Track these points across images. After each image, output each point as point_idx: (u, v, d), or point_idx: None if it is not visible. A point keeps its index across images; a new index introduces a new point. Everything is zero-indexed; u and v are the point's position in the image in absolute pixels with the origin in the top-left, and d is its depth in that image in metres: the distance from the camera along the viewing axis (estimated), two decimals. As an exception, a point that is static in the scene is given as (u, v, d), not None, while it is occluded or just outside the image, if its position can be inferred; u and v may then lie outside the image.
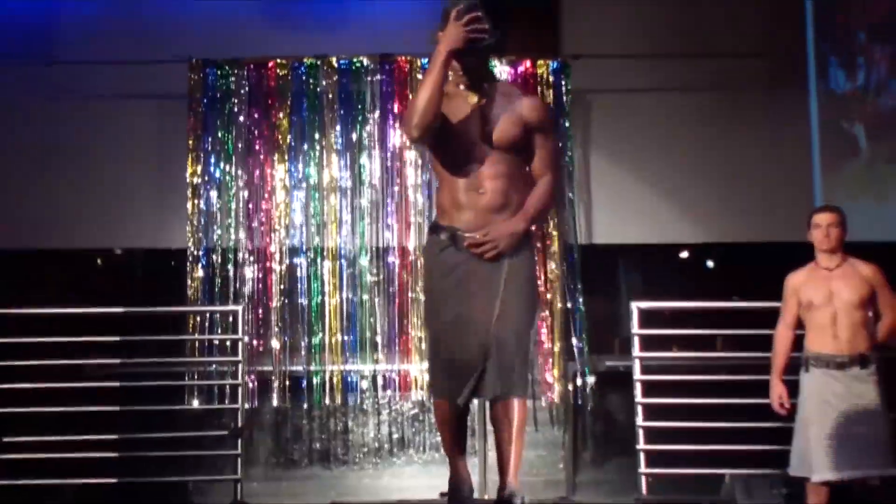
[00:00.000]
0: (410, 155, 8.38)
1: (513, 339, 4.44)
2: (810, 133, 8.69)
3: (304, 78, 8.42)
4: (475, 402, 4.88)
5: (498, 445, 4.50)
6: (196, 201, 8.29)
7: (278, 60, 8.40)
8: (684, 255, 9.05)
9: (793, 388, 6.24)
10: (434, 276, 4.62)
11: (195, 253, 8.23)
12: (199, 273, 8.23)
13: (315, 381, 8.13)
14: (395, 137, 8.39)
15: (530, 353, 4.61)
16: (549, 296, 8.04)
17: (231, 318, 7.95)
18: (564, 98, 8.26)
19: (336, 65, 8.42)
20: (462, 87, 4.59)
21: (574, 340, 8.03)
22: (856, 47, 8.76)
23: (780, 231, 7.70)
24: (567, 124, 8.21)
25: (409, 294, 8.21)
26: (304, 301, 8.24)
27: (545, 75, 8.33)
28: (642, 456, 7.35)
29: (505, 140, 4.51)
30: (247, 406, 7.77)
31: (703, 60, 8.41)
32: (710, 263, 9.16)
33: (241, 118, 8.38)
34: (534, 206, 4.62)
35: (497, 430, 4.51)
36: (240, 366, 7.69)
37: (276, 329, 8.18)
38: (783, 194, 8.10)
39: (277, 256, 8.28)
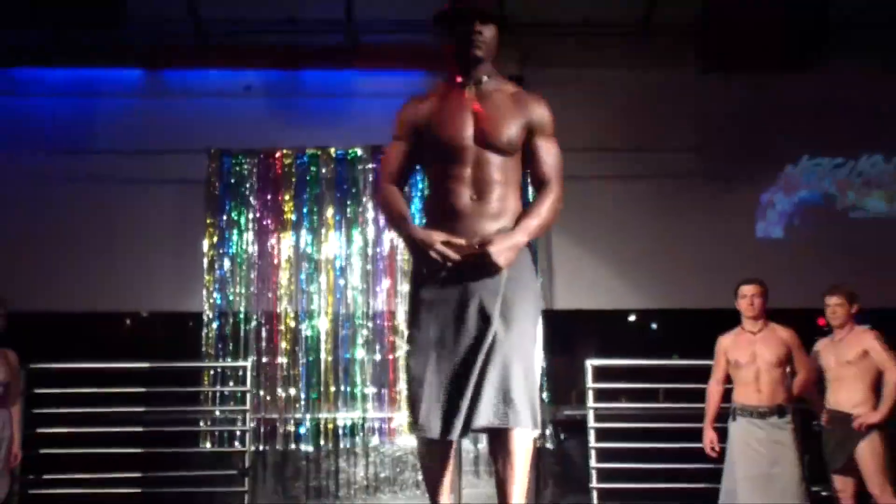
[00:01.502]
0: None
1: (514, 363, 3.43)
2: (739, 216, 8.77)
3: (306, 165, 8.47)
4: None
5: (497, 482, 3.54)
6: (212, 271, 8.31)
7: (284, 150, 8.45)
8: (632, 318, 9.12)
9: (722, 435, 6.37)
10: (419, 287, 3.60)
11: (210, 315, 8.24)
12: (214, 333, 8.23)
13: (313, 427, 8.12)
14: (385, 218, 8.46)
15: (536, 380, 3.54)
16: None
17: (241, 372, 7.99)
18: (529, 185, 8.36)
19: (334, 154, 8.47)
20: (459, 79, 3.68)
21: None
22: (782, 144, 8.81)
23: (712, 299, 7.62)
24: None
25: (395, 352, 8.20)
26: (304, 357, 8.23)
27: (512, 165, 8.46)
28: (595, 494, 7.40)
29: (504, 142, 3.58)
30: (253, 449, 7.79)
31: (647, 154, 8.47)
32: (653, 326, 9.23)
33: (252, 200, 8.41)
34: (537, 217, 3.61)
35: (495, 465, 3.55)
36: (247, 414, 7.76)
37: (280, 381, 8.17)
38: (715, 268, 8.06)
39: (282, 319, 8.29)
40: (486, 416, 3.39)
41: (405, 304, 8.16)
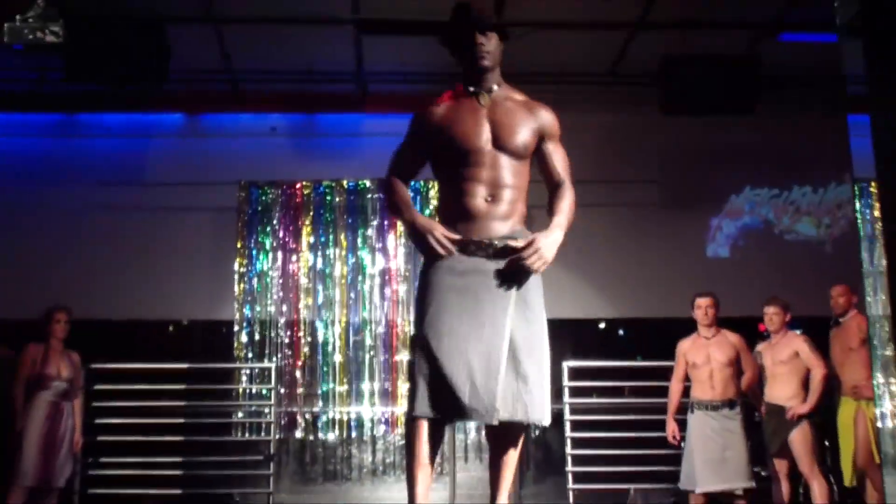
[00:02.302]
0: (398, 253, 8.50)
1: (529, 358, 3.18)
2: (692, 238, 8.84)
3: (322, 195, 8.58)
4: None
5: (495, 465, 3.34)
6: (242, 285, 8.39)
7: (304, 182, 8.57)
8: (602, 326, 9.06)
9: (681, 425, 6.50)
10: (434, 283, 3.22)
11: (241, 323, 8.34)
12: (244, 338, 8.32)
13: (327, 419, 8.21)
14: (389, 240, 8.51)
15: (548, 374, 3.25)
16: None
17: (266, 372, 8.08)
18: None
19: (346, 186, 8.58)
20: (472, 88, 3.38)
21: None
22: (728, 177, 8.89)
23: (672, 309, 7.53)
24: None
25: (398, 355, 8.27)
26: (321, 359, 8.31)
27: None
28: (570, 475, 7.49)
29: (519, 148, 3.30)
30: (277, 438, 7.89)
31: (614, 185, 8.50)
32: (620, 332, 9.16)
33: (277, 225, 8.51)
34: (567, 214, 3.36)
35: (496, 450, 3.34)
36: (272, 408, 7.86)
37: (300, 380, 8.25)
38: (672, 282, 8.14)
39: (302, 326, 8.37)
40: (516, 409, 3.13)
41: (409, 311, 8.18)
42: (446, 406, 3.10)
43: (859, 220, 7.85)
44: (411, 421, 3.19)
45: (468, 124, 3.32)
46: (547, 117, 3.41)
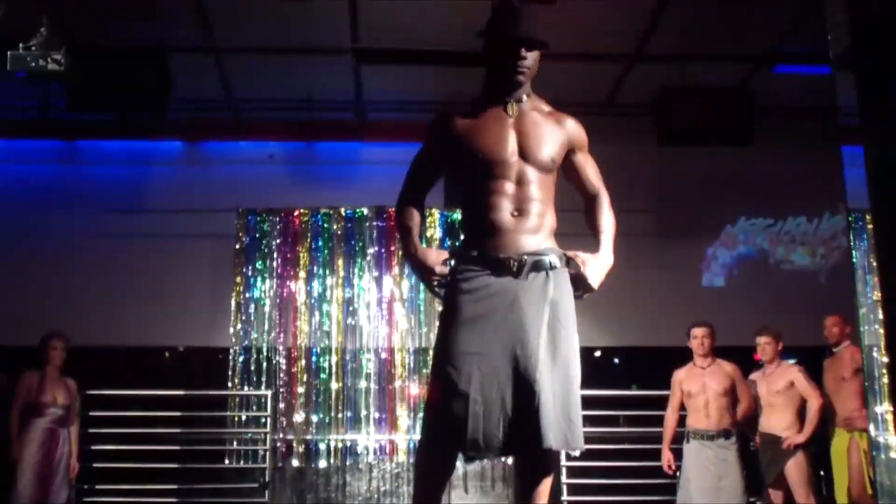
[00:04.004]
0: (396, 280, 8.48)
1: (567, 384, 2.97)
2: (688, 268, 8.85)
3: (320, 223, 8.58)
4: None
5: (528, 495, 3.08)
6: (239, 312, 8.37)
7: (302, 210, 8.56)
8: (597, 354, 9.02)
9: (677, 454, 6.47)
10: (458, 309, 3.02)
11: (237, 350, 8.30)
12: (240, 365, 8.28)
13: (323, 447, 8.17)
14: (386, 268, 8.51)
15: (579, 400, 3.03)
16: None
17: (262, 399, 8.05)
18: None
19: (343, 213, 8.58)
20: (495, 95, 3.22)
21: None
22: (724, 207, 8.92)
23: (665, 338, 7.71)
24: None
25: (394, 382, 8.26)
26: (317, 387, 8.27)
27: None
28: None
29: (546, 160, 3.14)
30: (272, 465, 7.84)
31: None
32: (616, 361, 9.19)
33: (274, 252, 8.50)
34: (611, 231, 3.27)
35: (527, 479, 3.10)
36: (268, 435, 7.82)
37: (296, 407, 8.21)
38: (667, 312, 8.13)
39: (298, 354, 8.34)
40: (554, 438, 2.89)
41: (410, 339, 8.22)
42: (476, 441, 2.91)
43: (853, 251, 7.90)
44: (427, 451, 3.08)
45: (493, 134, 3.15)
46: (574, 128, 3.28)
